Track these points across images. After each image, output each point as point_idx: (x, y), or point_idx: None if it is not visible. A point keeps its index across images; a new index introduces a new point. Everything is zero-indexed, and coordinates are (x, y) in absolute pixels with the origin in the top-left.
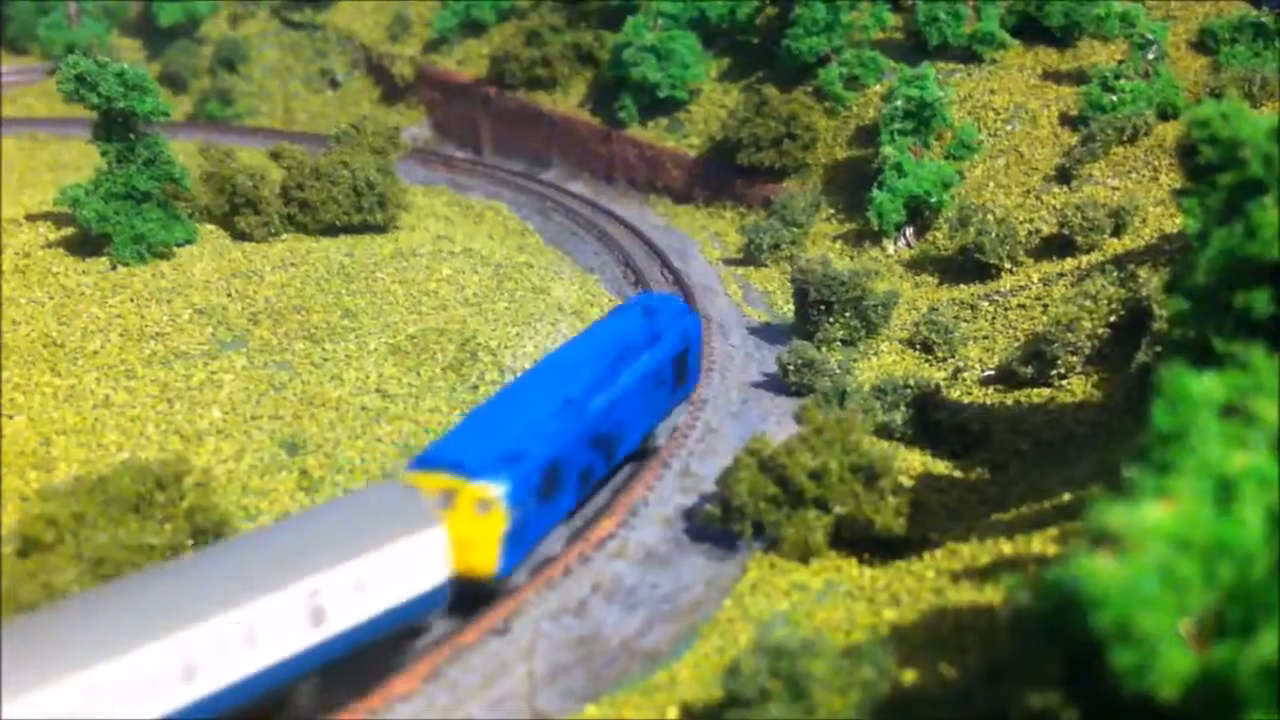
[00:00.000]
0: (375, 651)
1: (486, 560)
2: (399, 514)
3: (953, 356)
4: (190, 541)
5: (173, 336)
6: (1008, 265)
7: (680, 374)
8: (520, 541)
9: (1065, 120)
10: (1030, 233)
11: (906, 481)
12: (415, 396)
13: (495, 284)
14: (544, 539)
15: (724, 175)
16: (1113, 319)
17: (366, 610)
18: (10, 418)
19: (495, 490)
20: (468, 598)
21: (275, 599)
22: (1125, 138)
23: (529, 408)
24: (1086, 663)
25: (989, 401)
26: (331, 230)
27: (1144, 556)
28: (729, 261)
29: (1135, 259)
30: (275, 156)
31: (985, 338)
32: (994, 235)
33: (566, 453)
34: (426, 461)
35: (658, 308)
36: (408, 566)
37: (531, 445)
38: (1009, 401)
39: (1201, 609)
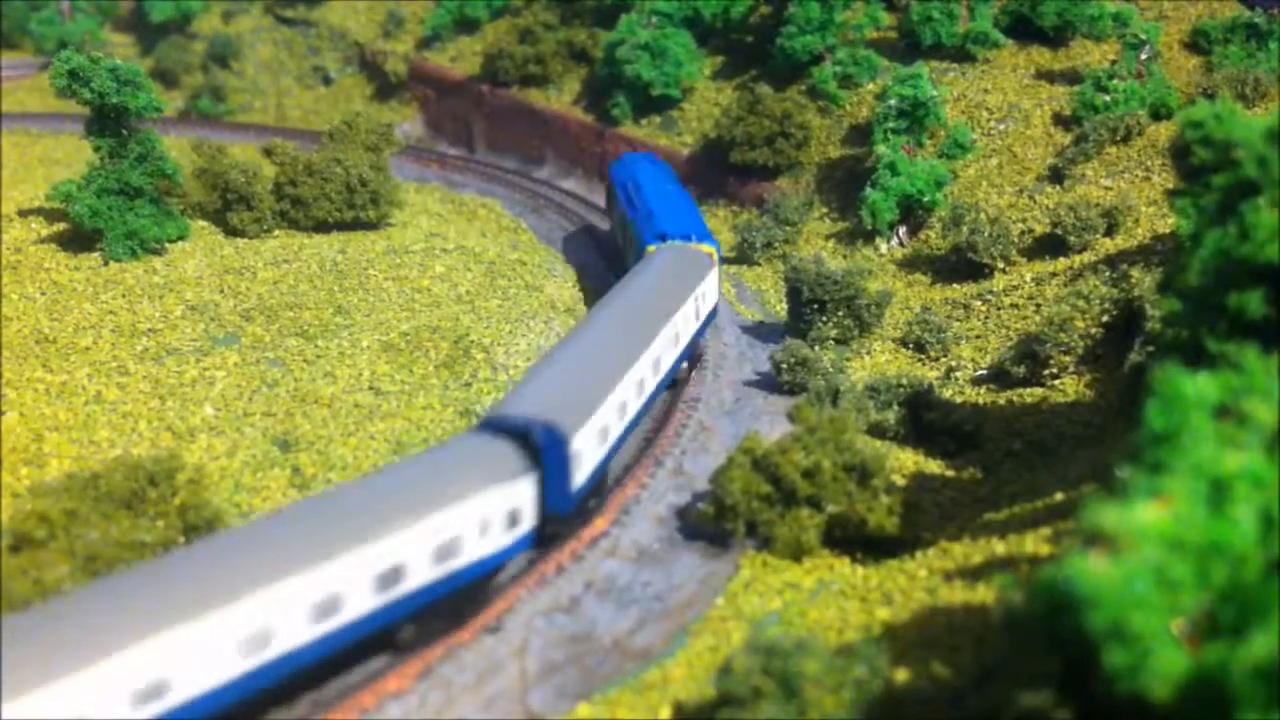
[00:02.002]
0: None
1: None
2: (700, 261)
3: (945, 356)
4: (182, 539)
5: (165, 333)
6: (1000, 265)
7: None
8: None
9: (1058, 120)
10: (1023, 232)
11: (899, 481)
12: (408, 394)
13: (488, 281)
14: None
15: (717, 174)
16: (1105, 319)
17: (703, 314)
18: (2, 414)
19: (711, 248)
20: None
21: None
22: (1118, 138)
23: (681, 210)
24: (1079, 663)
25: (982, 401)
26: (324, 227)
27: (1137, 557)
28: (722, 260)
29: (1128, 259)
30: (268, 153)
31: (978, 337)
32: (987, 234)
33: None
34: (663, 236)
35: (654, 159)
36: (711, 291)
37: (703, 226)
38: (1001, 401)
39: (1194, 609)
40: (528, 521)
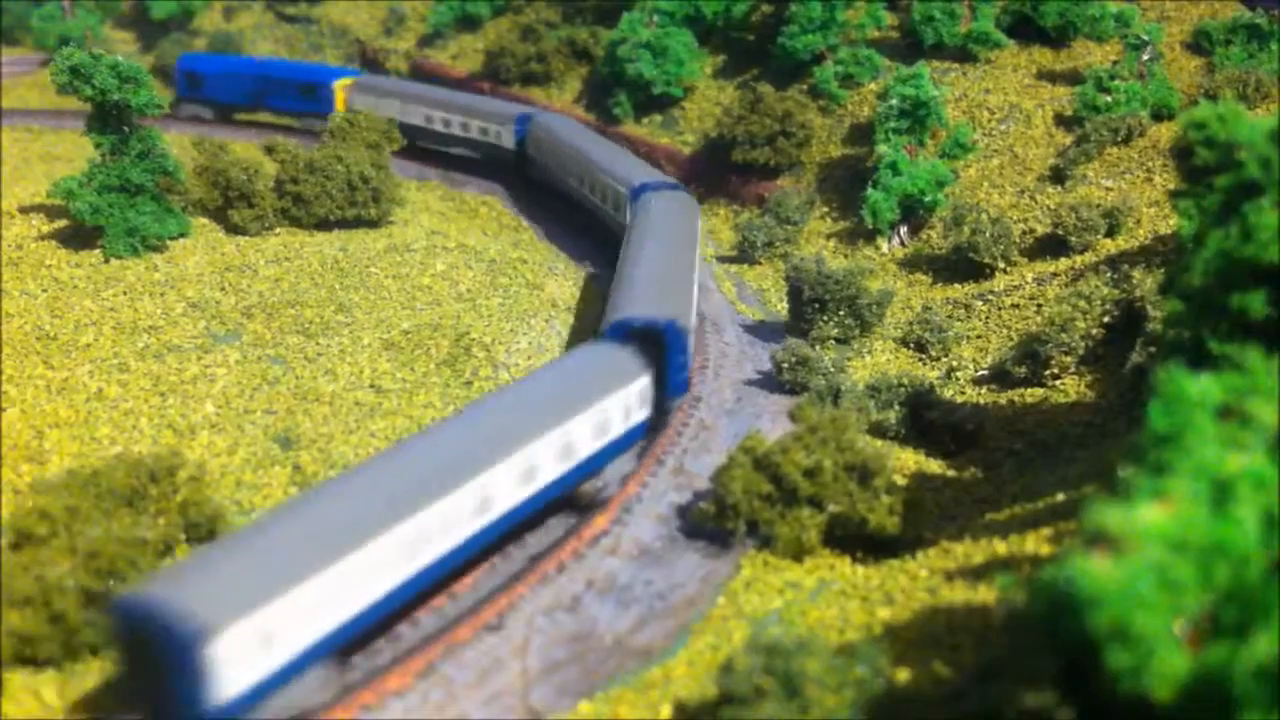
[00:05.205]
0: None
1: None
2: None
3: (946, 356)
4: (183, 536)
5: (166, 330)
6: (1001, 265)
7: None
8: None
9: (1060, 120)
10: (1024, 232)
11: (900, 480)
12: (409, 392)
13: (489, 280)
14: None
15: (718, 173)
16: (1106, 319)
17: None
18: (4, 410)
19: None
20: None
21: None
22: (1119, 138)
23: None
24: (1081, 663)
25: (982, 401)
26: (325, 225)
27: (1140, 557)
28: (723, 259)
29: (1129, 260)
30: (269, 150)
31: (979, 337)
32: (988, 235)
33: None
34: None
35: None
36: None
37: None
38: (1002, 401)
39: (1197, 610)
40: None
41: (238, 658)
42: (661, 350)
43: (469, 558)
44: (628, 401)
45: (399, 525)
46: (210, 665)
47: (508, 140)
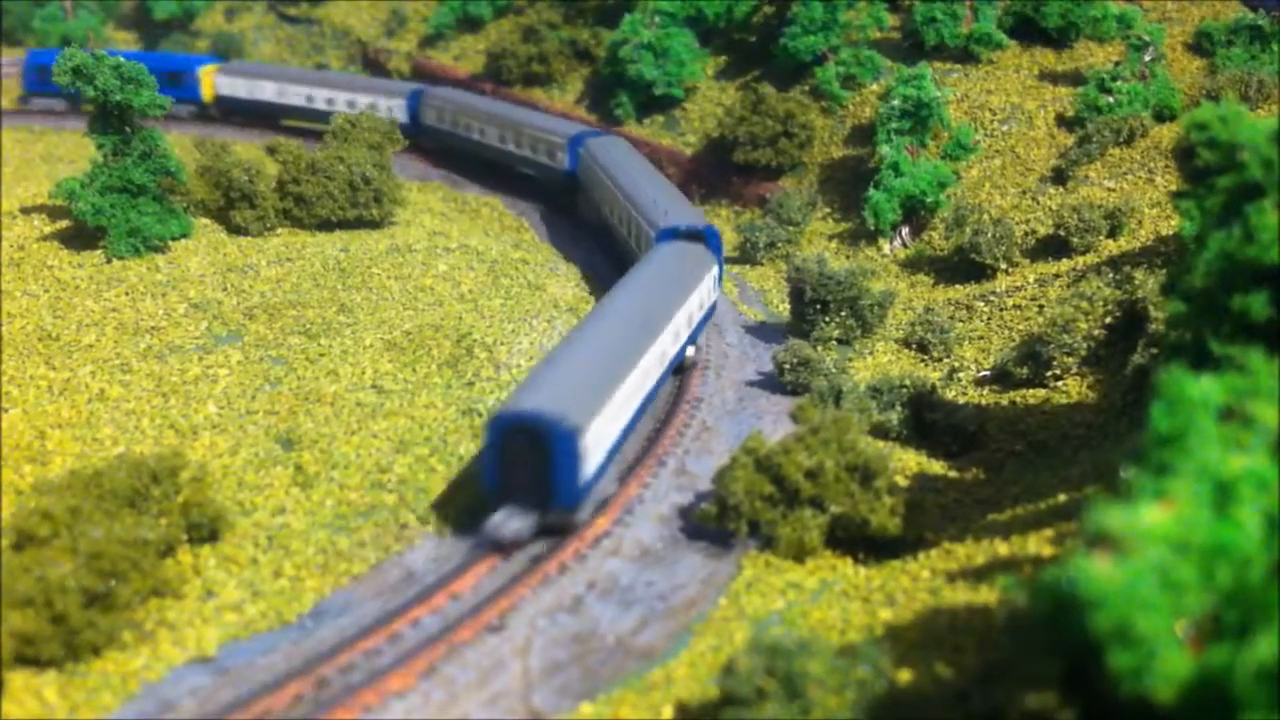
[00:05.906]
0: None
1: None
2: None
3: (948, 357)
4: (185, 537)
5: (168, 331)
6: (1003, 266)
7: None
8: None
9: (1061, 121)
10: (1026, 233)
11: (902, 481)
12: (411, 392)
13: (491, 280)
14: None
15: (720, 173)
16: (1108, 320)
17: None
18: (6, 411)
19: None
20: None
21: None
22: (1121, 139)
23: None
24: (1083, 664)
25: (984, 402)
26: (327, 225)
27: (1142, 558)
28: (725, 260)
29: (1131, 261)
30: (271, 151)
31: (981, 338)
32: (990, 236)
33: None
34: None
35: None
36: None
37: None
38: (1004, 402)
39: (1199, 611)
40: None
41: (590, 451)
42: (706, 246)
43: (653, 398)
44: (710, 283)
45: (639, 363)
46: (582, 453)
47: (400, 114)
